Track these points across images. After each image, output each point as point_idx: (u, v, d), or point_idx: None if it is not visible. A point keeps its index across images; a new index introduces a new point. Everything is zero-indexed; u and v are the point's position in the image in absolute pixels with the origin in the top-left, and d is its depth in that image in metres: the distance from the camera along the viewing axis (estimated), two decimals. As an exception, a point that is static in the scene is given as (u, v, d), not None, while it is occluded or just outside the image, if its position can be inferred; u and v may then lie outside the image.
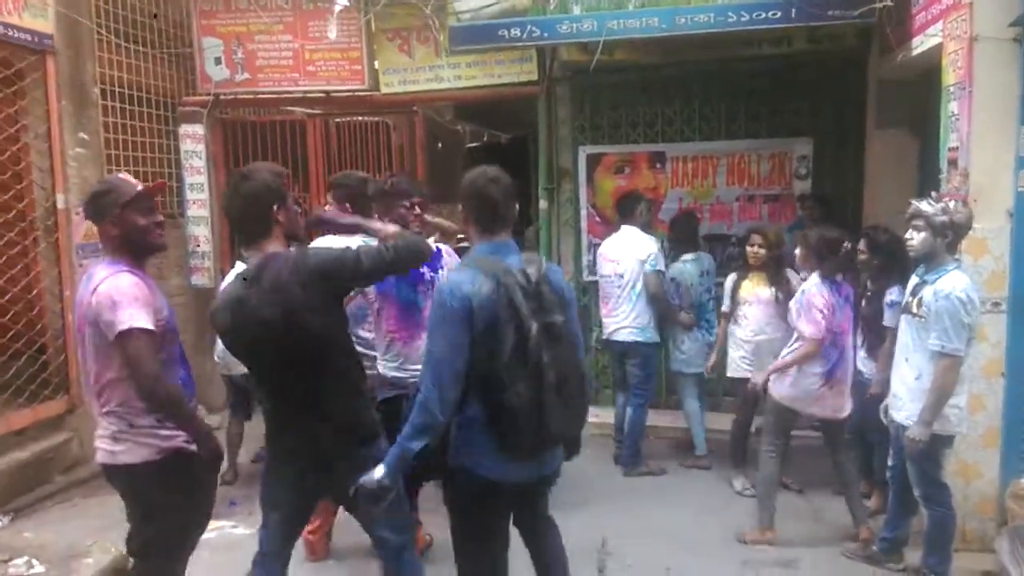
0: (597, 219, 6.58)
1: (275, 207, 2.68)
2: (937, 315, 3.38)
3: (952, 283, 3.38)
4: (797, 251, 4.46)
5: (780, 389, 4.28)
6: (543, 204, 6.60)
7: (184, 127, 6.92)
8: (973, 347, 3.57)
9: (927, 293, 3.46)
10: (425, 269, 3.50)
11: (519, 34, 5.10)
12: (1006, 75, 3.82)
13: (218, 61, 6.84)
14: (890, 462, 3.86)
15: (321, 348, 2.68)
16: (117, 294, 2.68)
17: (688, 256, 5.52)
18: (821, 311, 4.12)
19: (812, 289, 4.22)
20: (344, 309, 2.95)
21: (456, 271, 2.62)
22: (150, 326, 2.69)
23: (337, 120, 7.12)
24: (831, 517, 4.60)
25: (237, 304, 2.68)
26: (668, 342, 5.63)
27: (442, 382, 2.50)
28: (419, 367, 3.48)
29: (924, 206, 3.47)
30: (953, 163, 4.03)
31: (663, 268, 5.36)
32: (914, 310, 3.54)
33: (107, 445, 2.83)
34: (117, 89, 6.23)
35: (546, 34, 5.12)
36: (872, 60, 5.65)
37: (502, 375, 2.49)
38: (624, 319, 5.30)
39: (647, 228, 5.49)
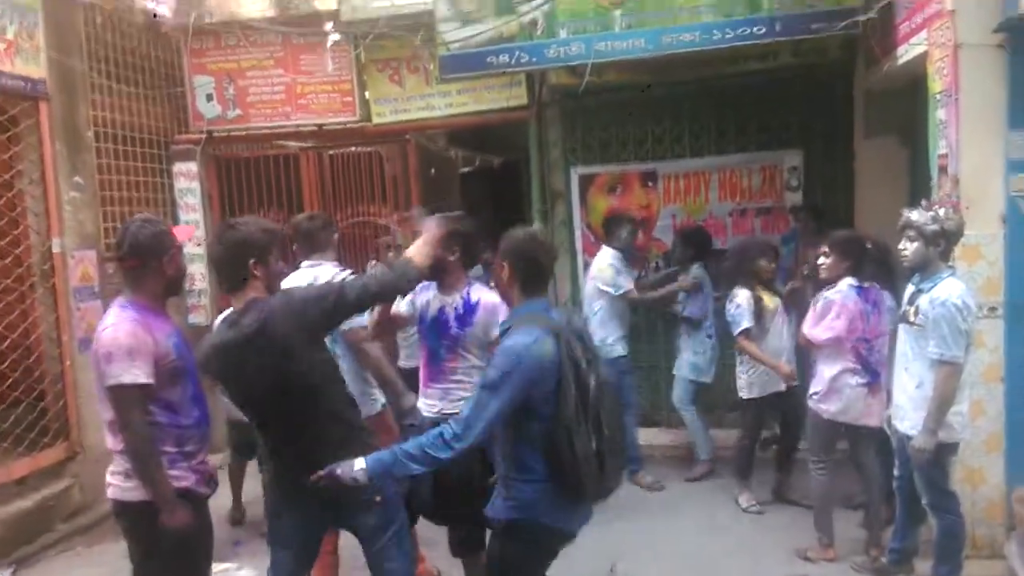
0: (592, 239, 6.60)
1: (252, 261, 2.69)
2: (935, 323, 3.38)
3: (948, 290, 3.39)
4: (821, 261, 4.35)
5: (828, 406, 4.21)
6: (537, 226, 6.62)
7: (178, 165, 6.97)
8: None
9: (923, 302, 3.46)
10: (453, 324, 3.46)
11: (508, 60, 5.15)
12: (992, 81, 3.86)
13: (210, 98, 6.90)
14: (896, 472, 3.84)
15: (309, 388, 2.68)
16: (113, 346, 2.74)
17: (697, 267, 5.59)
18: (837, 315, 4.13)
19: (835, 296, 4.19)
20: (327, 350, 2.94)
21: (521, 332, 2.63)
22: (142, 380, 2.74)
23: (330, 152, 7.15)
24: (839, 530, 4.54)
25: (221, 350, 2.69)
26: (678, 350, 5.75)
27: (480, 435, 2.55)
28: (432, 403, 3.54)
29: (915, 216, 3.49)
30: (943, 170, 4.06)
31: (623, 284, 5.41)
32: (911, 319, 3.54)
33: (118, 481, 2.87)
34: (110, 131, 6.26)
35: (534, 59, 5.17)
36: (858, 71, 5.71)
37: (568, 428, 2.55)
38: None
39: (629, 250, 5.57)
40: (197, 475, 2.95)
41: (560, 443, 2.57)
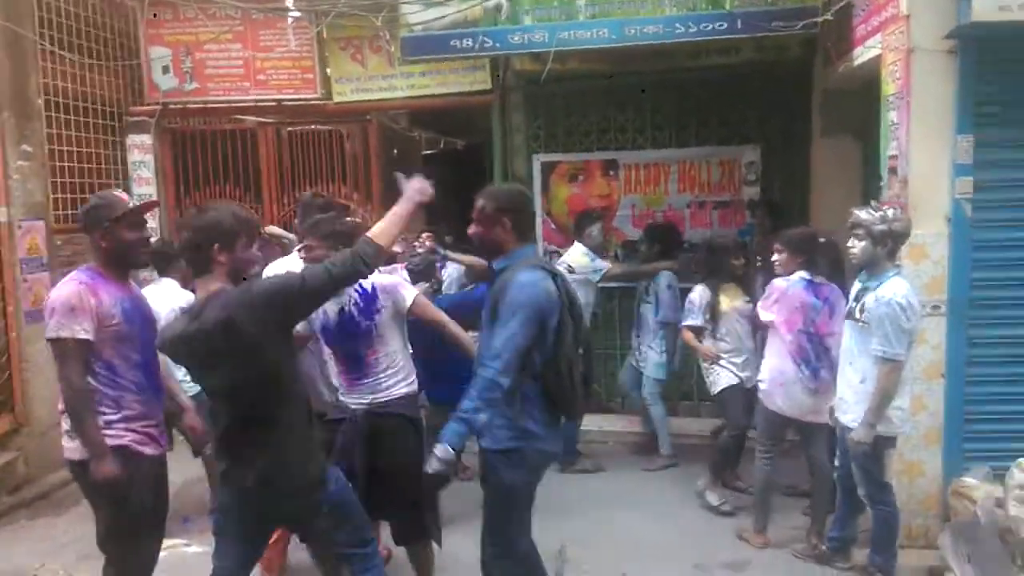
0: (553, 226, 6.63)
1: (216, 247, 2.64)
2: (879, 321, 3.48)
3: (892, 289, 3.49)
4: (775, 257, 4.43)
5: (773, 399, 4.30)
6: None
7: (131, 137, 6.84)
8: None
9: (869, 299, 3.56)
10: (361, 320, 3.41)
11: (471, 44, 5.14)
12: (942, 85, 3.95)
13: (166, 70, 6.77)
14: (836, 463, 3.96)
15: (268, 383, 2.65)
16: (56, 303, 2.96)
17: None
18: (775, 299, 4.26)
19: (780, 283, 4.29)
20: (292, 340, 2.91)
21: (527, 270, 2.89)
22: (80, 335, 2.93)
23: (289, 129, 7.05)
24: (780, 518, 4.66)
25: (183, 341, 2.65)
26: (634, 341, 5.80)
27: (512, 365, 2.80)
28: (359, 398, 3.49)
29: (864, 215, 3.58)
30: (893, 171, 4.16)
31: (601, 266, 5.51)
32: (857, 316, 3.64)
33: (65, 441, 3.08)
34: (61, 100, 6.11)
35: (498, 44, 5.16)
36: (816, 70, 5.80)
37: (568, 357, 2.94)
38: None
39: (598, 248, 5.61)
40: (137, 435, 3.07)
41: (562, 372, 2.93)
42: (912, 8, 3.93)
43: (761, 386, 4.40)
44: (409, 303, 3.46)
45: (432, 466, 2.75)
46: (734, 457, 5.09)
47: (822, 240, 4.42)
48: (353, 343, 3.44)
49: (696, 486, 5.03)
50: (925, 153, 3.99)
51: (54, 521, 5.08)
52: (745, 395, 4.84)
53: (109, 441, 2.97)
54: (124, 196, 3.15)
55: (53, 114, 6.02)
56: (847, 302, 4.00)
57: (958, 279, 4.04)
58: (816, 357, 4.22)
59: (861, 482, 3.70)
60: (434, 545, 3.62)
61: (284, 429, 2.70)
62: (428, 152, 11.05)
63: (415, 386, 3.60)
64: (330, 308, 3.38)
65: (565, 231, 6.41)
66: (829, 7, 4.76)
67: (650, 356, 5.68)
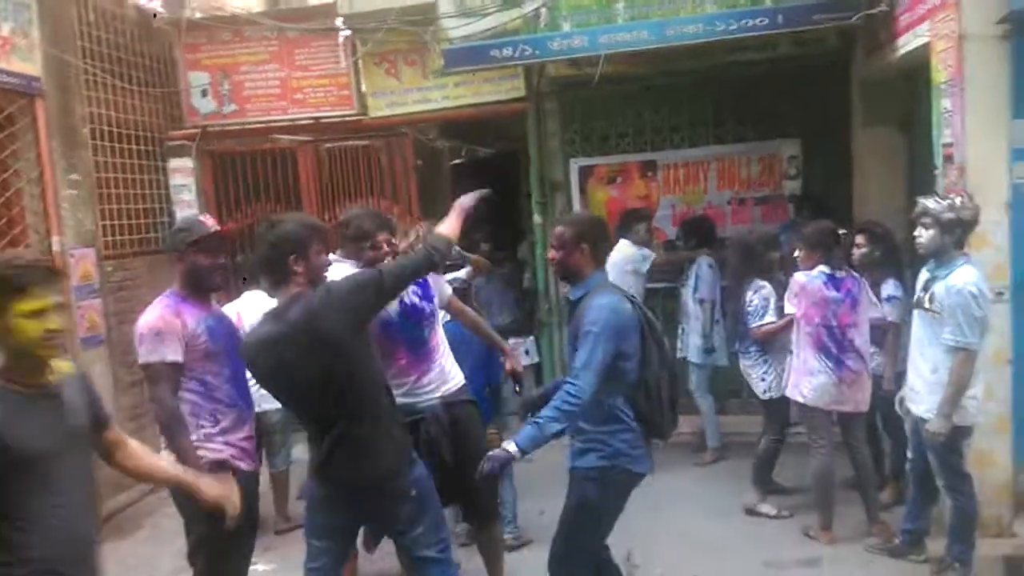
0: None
1: (293, 257, 2.75)
2: (951, 310, 3.46)
3: (963, 278, 3.46)
4: (797, 253, 4.51)
5: (800, 390, 4.35)
6: (537, 219, 6.65)
7: (172, 161, 6.91)
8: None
9: (939, 288, 3.54)
10: (424, 304, 3.55)
11: (511, 53, 5.17)
12: (996, 71, 3.93)
13: (204, 94, 6.85)
14: (909, 455, 3.94)
15: (350, 380, 2.73)
16: (143, 329, 3.08)
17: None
18: (795, 294, 4.32)
19: (800, 277, 4.34)
20: (369, 339, 3.00)
21: (604, 294, 3.01)
22: (170, 358, 3.04)
23: (327, 146, 7.11)
24: (846, 512, 4.62)
25: (265, 344, 2.74)
26: (684, 334, 5.85)
27: (596, 384, 2.87)
28: (430, 389, 3.55)
29: (931, 204, 3.56)
30: (949, 159, 4.13)
31: (649, 254, 5.63)
32: (926, 305, 3.61)
33: (165, 456, 3.12)
34: (105, 127, 6.20)
35: (538, 52, 5.20)
36: (855, 61, 5.77)
37: (656, 377, 3.04)
38: None
39: (646, 245, 5.66)
40: (235, 449, 3.18)
41: (652, 392, 3.03)
42: (962, -6, 3.92)
43: (793, 380, 4.43)
44: (449, 294, 3.71)
45: (497, 459, 2.79)
46: (773, 463, 5.00)
47: (843, 232, 4.43)
48: (419, 329, 3.56)
49: (745, 503, 4.91)
50: (982, 139, 3.97)
51: (119, 544, 5.14)
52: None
53: (209, 455, 3.08)
54: (207, 221, 3.27)
55: (97, 141, 6.11)
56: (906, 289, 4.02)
57: (1020, 264, 4.02)
58: (839, 348, 4.25)
59: (940, 473, 3.67)
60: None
61: (370, 420, 2.80)
62: (456, 162, 11.09)
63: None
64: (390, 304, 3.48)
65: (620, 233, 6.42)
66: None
67: (691, 341, 5.73)
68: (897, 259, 4.61)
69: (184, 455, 3.02)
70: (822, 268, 4.32)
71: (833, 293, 4.26)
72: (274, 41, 6.66)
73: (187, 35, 6.67)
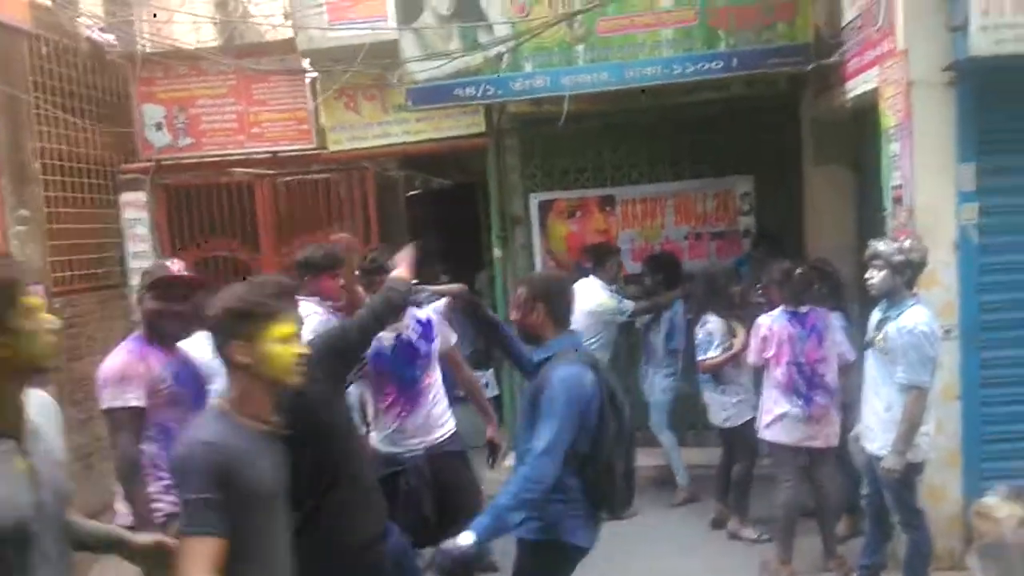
0: (552, 264, 6.68)
1: None
2: (903, 350, 3.57)
3: (914, 318, 3.57)
4: (759, 289, 4.63)
5: (771, 433, 4.43)
6: (497, 252, 6.67)
7: (125, 195, 6.80)
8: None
9: (891, 329, 3.64)
10: (421, 344, 3.56)
11: (475, 92, 5.22)
12: (942, 116, 4.09)
13: (159, 127, 6.77)
14: (865, 491, 4.02)
15: (329, 438, 2.67)
16: (106, 372, 3.01)
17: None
18: (763, 338, 4.39)
19: (763, 319, 4.46)
20: (345, 403, 3.00)
21: (566, 364, 2.84)
22: (134, 403, 2.97)
23: (286, 179, 7.06)
24: (804, 545, 4.66)
25: None
26: (645, 376, 5.83)
27: (557, 465, 2.73)
28: (414, 440, 3.52)
29: (882, 246, 3.67)
30: (898, 200, 4.27)
31: (627, 306, 5.59)
32: (879, 345, 3.72)
33: (119, 506, 3.12)
34: (56, 162, 6.08)
35: (501, 92, 5.26)
36: (805, 101, 5.94)
37: (609, 453, 2.85)
38: None
39: (614, 281, 5.71)
40: None
41: (601, 468, 2.86)
42: (909, 43, 4.07)
43: (764, 420, 4.51)
44: (453, 343, 3.69)
45: (450, 553, 2.60)
46: (748, 488, 5.07)
47: (799, 270, 4.51)
48: (411, 368, 3.56)
49: (729, 528, 5.04)
50: (930, 182, 4.12)
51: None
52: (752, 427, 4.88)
53: (168, 508, 2.95)
54: (172, 266, 3.21)
55: (49, 176, 5.99)
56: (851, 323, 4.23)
57: (968, 303, 4.16)
58: (808, 386, 4.34)
59: (895, 509, 3.76)
60: None
61: (347, 483, 2.72)
62: (413, 193, 11.07)
63: (453, 419, 3.76)
64: (385, 335, 3.47)
65: (566, 267, 6.46)
66: (822, 42, 4.91)
67: (657, 382, 5.73)
68: (841, 295, 4.77)
69: (139, 506, 2.96)
70: (783, 307, 4.43)
71: (799, 330, 4.35)
72: (231, 75, 6.61)
73: (142, 69, 6.59)
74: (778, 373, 4.38)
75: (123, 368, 3.00)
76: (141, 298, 3.16)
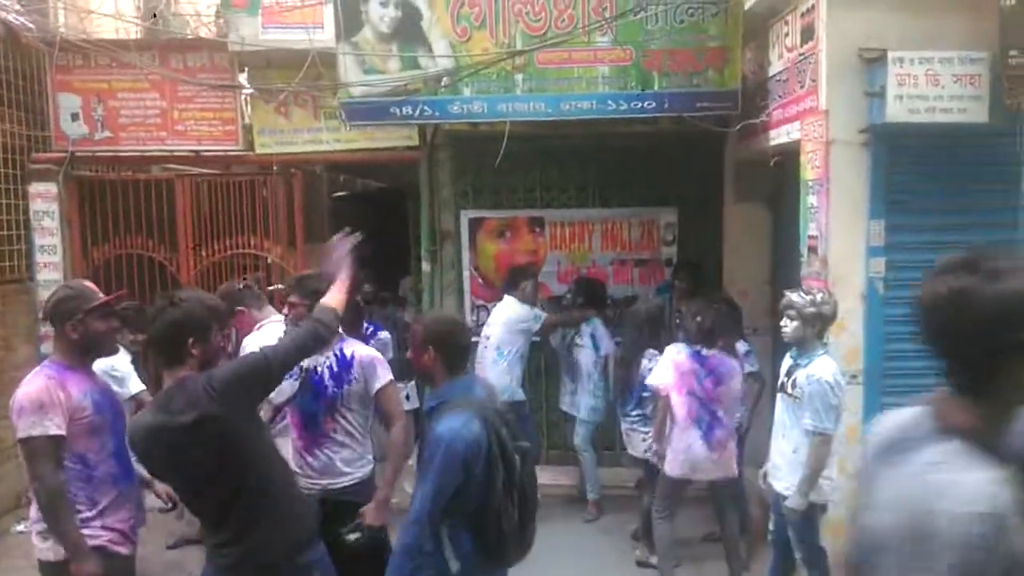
0: (480, 281, 6.74)
1: (191, 340, 2.68)
2: (810, 398, 3.78)
3: (822, 369, 3.79)
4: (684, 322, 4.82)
5: (678, 466, 4.59)
6: (426, 267, 6.68)
7: (34, 186, 6.48)
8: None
9: (800, 376, 3.85)
10: (330, 384, 3.45)
11: (411, 112, 5.22)
12: (857, 174, 4.34)
13: (75, 117, 6.46)
14: (771, 526, 4.23)
15: (245, 464, 2.67)
16: (24, 399, 2.89)
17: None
18: (664, 365, 4.62)
19: (670, 350, 4.69)
20: (259, 418, 2.96)
21: (450, 416, 2.75)
22: (52, 431, 2.86)
23: (208, 180, 6.86)
24: (712, 569, 4.90)
25: (152, 433, 2.62)
26: (565, 388, 5.98)
27: (432, 517, 2.69)
28: (311, 479, 3.49)
29: (795, 298, 3.88)
30: (813, 250, 4.51)
31: (540, 313, 5.79)
32: (789, 390, 3.93)
33: (38, 542, 3.00)
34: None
35: (437, 113, 5.27)
36: (730, 141, 6.18)
37: (496, 506, 2.72)
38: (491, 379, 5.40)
39: (532, 303, 5.82)
40: (112, 533, 3.01)
41: (489, 522, 2.73)
42: (831, 104, 4.31)
43: (667, 454, 4.66)
44: (379, 386, 3.47)
45: None
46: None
47: (699, 320, 4.67)
48: (315, 405, 3.46)
49: (636, 556, 5.20)
50: (843, 235, 4.37)
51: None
52: None
53: (88, 541, 2.89)
54: (93, 286, 3.14)
55: (-50, 164, 5.66)
56: (751, 348, 4.70)
57: (872, 351, 4.42)
58: (710, 416, 4.57)
59: (798, 547, 3.97)
60: None
61: (273, 494, 2.73)
62: (339, 195, 10.89)
63: (370, 468, 3.61)
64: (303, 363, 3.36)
65: (493, 286, 6.54)
66: (746, 91, 5.14)
67: (583, 401, 5.86)
68: (740, 324, 5.15)
69: (69, 538, 2.86)
70: (691, 345, 4.64)
71: (695, 365, 4.58)
72: (154, 70, 6.37)
73: (60, 55, 6.28)
74: (680, 401, 4.58)
75: (42, 395, 2.88)
76: (80, 322, 2.99)
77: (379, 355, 3.60)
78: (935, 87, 4.06)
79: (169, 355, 2.70)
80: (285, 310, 3.69)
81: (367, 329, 5.22)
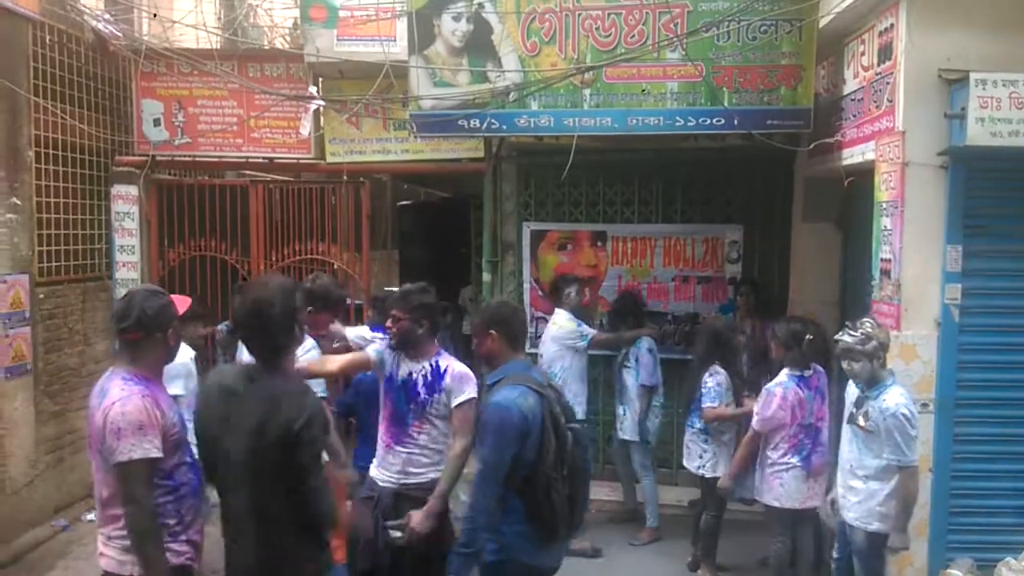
0: (540, 293, 6.75)
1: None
2: (887, 432, 3.68)
3: (895, 400, 3.70)
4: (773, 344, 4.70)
5: (772, 495, 4.50)
6: (487, 277, 6.72)
7: (117, 187, 6.74)
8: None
9: (872, 409, 3.76)
10: (423, 391, 3.55)
11: (479, 125, 5.26)
12: (934, 198, 4.22)
13: (157, 123, 6.73)
14: (835, 554, 4.14)
15: (288, 483, 2.68)
16: (123, 421, 2.72)
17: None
18: (776, 407, 4.43)
19: (774, 387, 4.51)
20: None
21: (506, 388, 2.99)
22: (153, 454, 2.74)
23: (281, 187, 7.06)
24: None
25: (226, 395, 2.74)
26: (622, 412, 5.89)
27: (494, 490, 2.92)
28: (393, 475, 3.59)
29: (849, 340, 3.79)
30: (886, 273, 4.39)
31: (588, 331, 5.68)
32: (860, 423, 3.82)
33: (114, 554, 2.85)
34: (51, 151, 6.01)
35: (504, 127, 5.32)
36: (800, 159, 6.07)
37: (547, 476, 2.94)
38: None
39: (578, 309, 5.77)
40: (192, 548, 2.94)
41: (540, 490, 2.94)
42: (908, 125, 4.20)
43: (763, 484, 4.57)
44: (458, 401, 3.52)
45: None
46: (717, 537, 5.17)
47: (809, 336, 4.55)
48: (404, 406, 3.59)
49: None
50: (917, 259, 4.24)
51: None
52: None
53: (171, 559, 2.81)
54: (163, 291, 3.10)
55: (42, 165, 5.92)
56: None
57: (945, 379, 4.28)
58: (812, 444, 4.46)
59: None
60: None
61: (290, 525, 2.72)
62: (404, 203, 11.08)
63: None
64: (403, 366, 3.61)
65: (553, 298, 6.54)
66: (819, 109, 5.04)
67: (628, 422, 5.81)
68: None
69: (155, 566, 2.75)
70: (787, 371, 4.52)
71: (807, 393, 4.47)
72: (234, 77, 6.58)
73: (144, 63, 6.54)
74: (786, 436, 4.47)
75: (142, 416, 2.74)
76: (175, 329, 2.95)
77: (470, 373, 3.63)
78: (1019, 110, 3.93)
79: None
80: (388, 323, 3.70)
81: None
